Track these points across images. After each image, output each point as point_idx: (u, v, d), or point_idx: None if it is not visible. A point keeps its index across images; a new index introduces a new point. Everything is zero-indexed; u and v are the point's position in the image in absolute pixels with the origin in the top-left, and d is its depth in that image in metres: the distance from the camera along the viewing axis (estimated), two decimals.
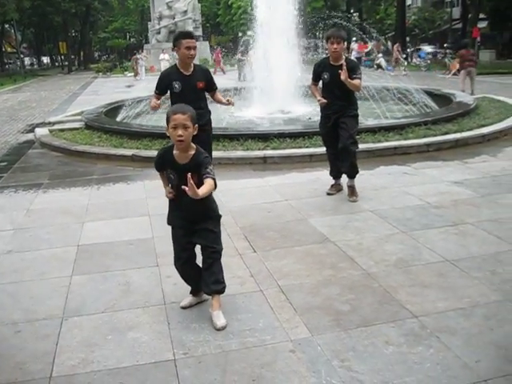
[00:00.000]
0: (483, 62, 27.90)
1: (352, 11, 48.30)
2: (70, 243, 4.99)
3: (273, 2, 12.50)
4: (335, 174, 6.20)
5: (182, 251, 3.52)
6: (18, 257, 4.73)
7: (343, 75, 5.44)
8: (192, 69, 5.42)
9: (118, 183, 7.18)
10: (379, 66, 28.93)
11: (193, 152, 3.31)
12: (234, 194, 6.33)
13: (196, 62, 5.55)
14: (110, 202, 6.31)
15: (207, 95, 5.70)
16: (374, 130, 8.54)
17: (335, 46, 5.62)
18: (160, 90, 5.54)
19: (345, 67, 5.47)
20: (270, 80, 11.87)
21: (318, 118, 6.28)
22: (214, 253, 3.42)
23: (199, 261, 3.57)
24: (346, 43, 5.89)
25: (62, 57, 60.45)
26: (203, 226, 3.41)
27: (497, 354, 2.97)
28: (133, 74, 33.29)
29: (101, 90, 24.68)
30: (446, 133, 8.61)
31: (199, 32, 40.29)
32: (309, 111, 11.10)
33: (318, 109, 6.13)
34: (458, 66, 15.89)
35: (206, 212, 3.42)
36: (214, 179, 3.20)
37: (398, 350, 3.04)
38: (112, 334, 3.37)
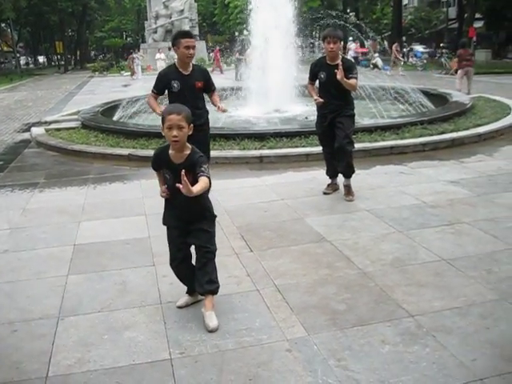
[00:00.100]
0: (479, 62, 27.92)
1: (348, 11, 48.31)
2: (67, 242, 4.98)
3: (269, 2, 12.51)
4: (331, 174, 6.21)
5: (177, 251, 3.52)
6: (14, 256, 4.72)
7: (339, 75, 5.44)
8: (191, 68, 5.41)
9: (114, 182, 7.18)
10: (375, 66, 28.96)
11: (188, 152, 3.31)
12: (230, 193, 6.33)
13: (193, 61, 5.53)
14: (106, 202, 6.30)
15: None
16: (370, 130, 8.55)
17: (332, 45, 5.63)
18: (158, 89, 5.49)
19: (341, 67, 5.48)
20: (267, 79, 11.87)
21: (314, 117, 6.29)
22: (207, 253, 3.41)
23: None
24: (342, 43, 5.90)
25: (59, 56, 60.35)
26: (198, 226, 3.41)
27: (493, 352, 2.98)
28: (129, 73, 33.23)
29: (97, 90, 24.62)
30: (443, 132, 8.62)
31: (196, 31, 40.21)
32: (305, 111, 11.10)
33: (315, 108, 6.14)
34: (455, 65, 15.95)
35: (201, 212, 3.42)
36: (208, 177, 3.20)
37: (394, 349, 3.05)
38: (108, 333, 3.36)
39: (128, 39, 77.12)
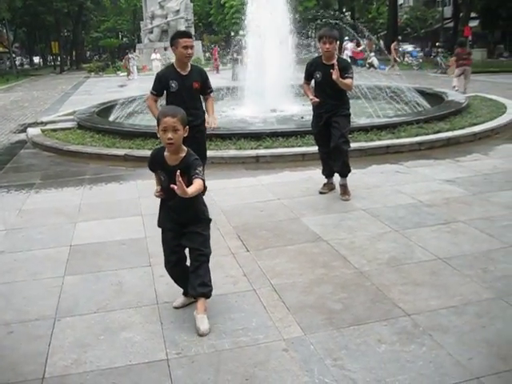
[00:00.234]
0: (475, 61, 27.97)
1: (344, 10, 48.33)
2: (63, 243, 4.97)
3: (265, 2, 12.52)
4: (327, 173, 6.21)
5: (171, 254, 3.51)
6: (10, 257, 4.71)
7: (335, 74, 5.45)
8: (189, 69, 5.40)
9: (110, 183, 7.17)
10: (371, 65, 29.00)
11: (183, 154, 3.30)
12: (226, 193, 6.33)
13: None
14: (102, 202, 6.29)
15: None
16: (366, 129, 8.56)
17: (327, 45, 5.63)
18: (157, 90, 5.46)
19: (336, 66, 5.48)
20: (263, 79, 11.87)
21: (310, 117, 6.29)
22: (200, 256, 3.39)
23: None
24: (338, 43, 5.90)
25: (54, 56, 60.18)
26: (192, 228, 3.40)
27: (489, 351, 2.98)
28: (125, 73, 33.20)
29: (93, 90, 24.60)
30: (438, 131, 8.64)
31: (192, 31, 40.12)
32: (301, 110, 11.11)
33: (311, 108, 6.14)
34: (454, 63, 15.98)
35: (195, 214, 3.41)
36: (203, 180, 3.20)
37: (390, 349, 3.05)
38: (105, 334, 3.36)
39: (124, 39, 77.01)
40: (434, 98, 12.04)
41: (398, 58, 28.08)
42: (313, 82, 6.01)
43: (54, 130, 10.83)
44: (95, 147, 8.98)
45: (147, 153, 7.79)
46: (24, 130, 12.07)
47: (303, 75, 6.12)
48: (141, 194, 6.43)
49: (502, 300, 3.53)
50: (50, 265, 4.50)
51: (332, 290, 3.78)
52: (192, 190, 3.09)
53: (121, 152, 8.48)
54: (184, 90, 5.33)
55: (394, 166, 7.28)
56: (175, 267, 3.55)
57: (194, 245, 3.39)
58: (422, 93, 12.16)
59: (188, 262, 3.51)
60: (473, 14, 38.32)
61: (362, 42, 30.95)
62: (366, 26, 35.40)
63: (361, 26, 26.19)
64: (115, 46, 72.28)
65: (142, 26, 44.80)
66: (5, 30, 47.62)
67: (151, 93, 5.51)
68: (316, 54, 6.99)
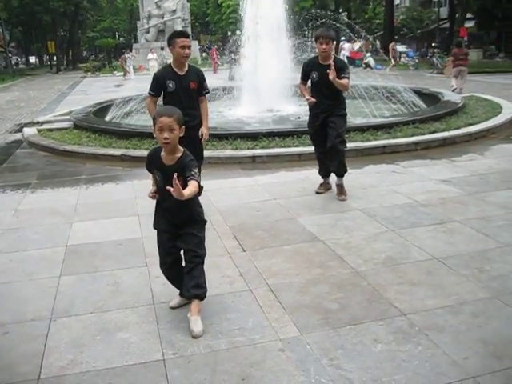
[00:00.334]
0: (470, 62, 28.06)
1: (341, 11, 48.37)
2: (59, 243, 4.97)
3: (261, 2, 12.52)
4: (324, 173, 6.22)
5: (167, 256, 3.50)
6: (6, 257, 4.70)
7: (331, 75, 5.45)
8: (186, 69, 5.38)
9: (106, 183, 7.16)
10: (368, 65, 29.07)
11: (179, 155, 3.30)
12: (222, 193, 6.33)
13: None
14: (98, 202, 6.28)
15: None
16: (362, 129, 8.58)
17: (324, 46, 5.64)
18: (155, 90, 5.42)
19: (333, 67, 5.48)
20: (260, 79, 11.88)
21: (307, 117, 6.30)
22: (195, 257, 3.38)
23: None
24: (335, 43, 5.91)
25: (50, 56, 60.03)
26: (187, 230, 3.39)
27: (485, 350, 2.99)
28: (122, 73, 33.17)
29: (89, 90, 24.54)
30: (434, 131, 8.67)
31: (188, 31, 40.16)
32: (298, 110, 11.12)
33: (307, 108, 6.15)
34: (451, 64, 16.09)
35: (191, 216, 3.41)
36: (198, 182, 3.20)
37: (386, 348, 3.06)
38: (101, 334, 3.36)
39: (120, 39, 76.91)
40: (430, 98, 12.07)
41: (393, 59, 28.12)
42: (309, 82, 6.02)
43: (51, 130, 10.81)
44: (91, 147, 8.97)
45: (144, 153, 7.78)
46: (20, 130, 12.04)
47: (300, 75, 6.12)
48: (137, 194, 6.43)
49: (497, 299, 3.55)
50: (45, 265, 4.49)
51: (328, 290, 3.79)
52: (188, 192, 3.09)
53: (117, 152, 8.47)
54: (181, 90, 5.32)
55: (391, 165, 7.30)
56: (171, 268, 3.54)
57: (188, 246, 3.39)
58: (418, 93, 12.20)
59: (183, 263, 3.51)
60: (468, 15, 38.40)
61: (358, 41, 31.00)
62: (362, 27, 35.50)
63: (357, 27, 26.20)
64: (112, 45, 72.18)
65: (138, 25, 44.75)
66: (1, 30, 47.47)
67: (149, 94, 5.48)
68: (313, 54, 6.99)
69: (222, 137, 8.46)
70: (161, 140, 3.23)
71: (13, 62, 53.65)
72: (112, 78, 32.75)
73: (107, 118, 11.68)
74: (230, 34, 40.99)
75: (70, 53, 61.39)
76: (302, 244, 4.67)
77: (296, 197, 6.06)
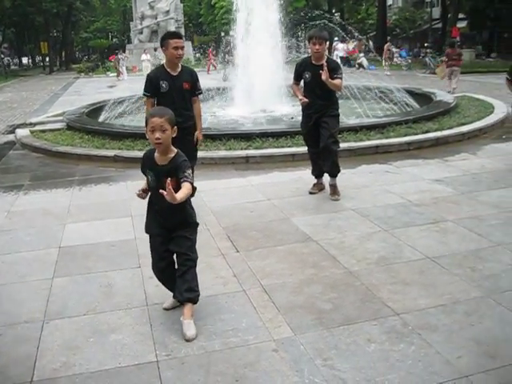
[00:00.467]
0: (463, 62, 28.19)
1: (334, 11, 48.44)
2: (52, 245, 4.95)
3: (255, 2, 12.53)
4: (317, 173, 6.22)
5: (160, 260, 3.48)
6: None
7: (324, 75, 5.46)
8: (179, 69, 5.38)
9: (99, 184, 7.13)
10: (361, 66, 29.14)
11: (172, 155, 3.30)
12: (216, 193, 6.32)
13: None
14: (91, 203, 6.26)
15: None
16: (355, 129, 8.60)
17: (317, 46, 5.65)
18: (150, 91, 5.39)
19: (326, 67, 5.49)
20: (253, 80, 11.88)
21: (300, 117, 6.30)
22: (188, 260, 3.37)
23: None
24: (328, 43, 5.92)
25: (43, 57, 59.77)
26: (180, 233, 3.38)
27: (477, 349, 3.00)
28: (115, 74, 33.09)
29: (83, 91, 24.46)
30: (427, 131, 8.69)
31: (182, 32, 40.12)
32: (291, 111, 11.13)
33: (300, 108, 6.15)
34: (444, 64, 16.20)
35: (184, 218, 3.40)
36: (191, 183, 3.20)
37: (380, 348, 3.06)
38: (94, 336, 3.35)
39: (114, 40, 76.67)
40: (423, 98, 12.11)
41: (388, 60, 28.19)
42: (302, 82, 6.02)
43: (43, 131, 10.77)
44: (85, 148, 8.94)
45: (137, 154, 7.80)
46: (13, 131, 11.98)
47: (292, 75, 6.12)
48: (130, 194, 6.37)
49: (490, 298, 3.56)
50: (38, 267, 4.47)
51: (322, 290, 3.79)
52: (181, 195, 3.09)
53: (110, 153, 8.45)
54: (174, 91, 5.31)
55: (383, 165, 7.31)
56: (164, 272, 3.52)
57: (181, 249, 3.38)
58: (411, 93, 12.23)
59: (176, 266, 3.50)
60: (461, 15, 38.56)
61: (351, 41, 31.06)
62: (355, 27, 35.57)
63: (350, 27, 26.26)
64: (105, 46, 71.92)
65: (131, 26, 44.64)
66: None
67: (145, 95, 5.47)
68: (306, 55, 7.00)
69: (216, 137, 8.45)
70: (153, 140, 3.23)
71: (5, 63, 53.35)
72: (105, 79, 32.64)
73: (100, 119, 11.66)
74: (223, 34, 40.98)
75: (63, 53, 61.17)
76: (295, 244, 4.67)
77: (289, 197, 6.07)
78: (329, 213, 5.48)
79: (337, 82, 5.63)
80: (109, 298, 3.85)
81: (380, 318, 3.38)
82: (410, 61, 31.76)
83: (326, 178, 6.11)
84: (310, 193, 6.15)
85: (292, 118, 10.36)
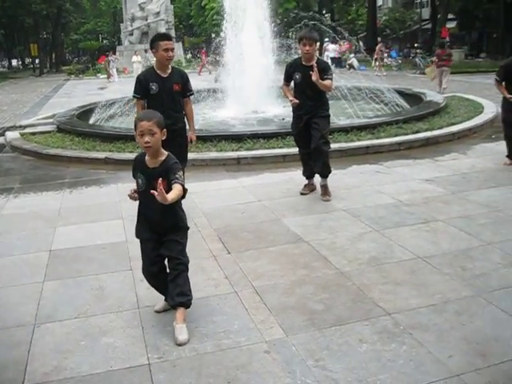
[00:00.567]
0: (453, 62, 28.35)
1: (324, 12, 48.53)
2: (42, 248, 4.92)
3: (244, 3, 12.53)
4: (308, 174, 6.23)
5: (152, 265, 3.46)
6: None
7: (314, 76, 5.47)
8: (169, 71, 5.36)
9: (90, 186, 7.11)
10: (351, 66, 29.22)
11: (163, 158, 3.29)
12: (207, 195, 6.32)
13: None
14: (82, 206, 6.24)
15: None
16: (346, 130, 8.62)
17: (307, 47, 5.66)
18: (140, 93, 5.37)
19: (316, 68, 5.50)
20: (244, 81, 11.88)
21: (291, 118, 6.31)
22: (179, 264, 3.35)
23: None
24: (318, 44, 5.93)
25: (33, 59, 59.47)
26: (171, 237, 3.36)
27: (468, 348, 3.02)
28: (106, 75, 32.99)
29: (73, 93, 24.37)
30: (417, 131, 8.73)
31: (172, 33, 40.01)
32: (282, 112, 11.13)
33: (291, 109, 6.16)
34: (434, 65, 16.35)
35: (175, 221, 3.38)
36: (182, 185, 3.19)
37: (371, 348, 3.07)
38: (85, 339, 3.33)
39: (104, 41, 76.43)
40: (413, 98, 12.16)
41: (380, 60, 28.29)
42: (292, 83, 6.03)
43: (33, 134, 10.72)
44: (75, 150, 8.90)
45: (128, 156, 7.78)
46: (2, 134, 11.88)
47: (283, 77, 6.13)
48: (121, 197, 6.37)
49: (480, 297, 3.58)
50: (29, 270, 4.44)
51: (313, 291, 3.80)
52: (172, 196, 3.08)
53: (101, 155, 8.42)
54: (164, 93, 5.30)
55: (374, 166, 7.34)
56: (157, 277, 3.50)
57: (172, 253, 3.36)
58: (401, 93, 12.28)
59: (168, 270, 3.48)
60: (450, 16, 38.78)
61: (342, 42, 31.14)
62: (345, 28, 35.65)
63: (340, 28, 26.32)
64: (95, 48, 71.68)
65: (122, 28, 44.51)
66: None
67: (134, 96, 5.45)
68: (296, 56, 7.01)
69: (207, 139, 8.44)
70: (142, 144, 3.22)
71: None
72: (96, 81, 32.55)
73: (91, 121, 11.60)
74: (213, 35, 40.94)
75: (53, 55, 60.86)
76: (286, 245, 4.68)
77: (280, 198, 6.07)
78: (320, 213, 5.49)
79: (327, 82, 5.64)
80: (100, 300, 3.84)
81: (371, 318, 3.39)
82: (400, 61, 31.92)
83: (317, 178, 6.12)
84: (301, 193, 6.15)
85: (283, 118, 10.36)
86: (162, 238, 3.39)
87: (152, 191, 3.00)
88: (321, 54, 32.39)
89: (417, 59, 28.55)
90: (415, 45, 37.59)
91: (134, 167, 3.44)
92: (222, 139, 8.43)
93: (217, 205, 5.94)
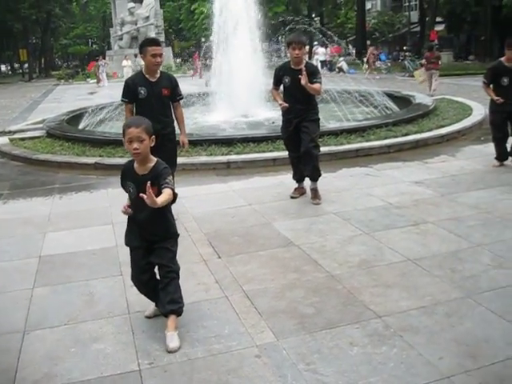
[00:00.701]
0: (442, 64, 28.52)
1: (313, 16, 48.72)
2: (32, 254, 4.89)
3: (234, 8, 12.55)
4: (298, 178, 6.24)
5: (142, 273, 3.43)
6: None
7: (303, 80, 5.49)
8: (158, 75, 5.36)
9: (80, 192, 7.08)
10: (341, 70, 29.32)
11: (152, 164, 3.27)
12: (197, 199, 6.31)
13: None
14: (72, 211, 6.21)
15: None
16: (336, 133, 8.64)
17: (297, 51, 5.68)
18: (128, 97, 5.37)
19: (305, 72, 5.52)
20: (234, 85, 11.89)
21: (281, 122, 6.32)
22: (170, 272, 3.33)
23: None
24: (307, 48, 5.95)
25: (22, 64, 59.19)
26: (161, 244, 3.34)
27: (458, 350, 3.03)
28: (95, 80, 32.91)
29: (63, 98, 24.29)
30: (407, 134, 8.78)
31: (162, 38, 40.01)
32: (272, 115, 11.15)
33: (281, 113, 6.17)
34: (423, 68, 16.52)
35: (166, 228, 3.37)
36: (172, 190, 3.18)
37: (362, 351, 3.08)
38: (76, 346, 3.31)
39: (94, 46, 76.22)
40: (402, 101, 12.22)
41: (372, 63, 28.43)
42: (282, 87, 6.05)
43: (23, 139, 10.66)
44: (65, 156, 8.87)
45: (118, 161, 7.76)
46: None
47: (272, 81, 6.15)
48: (111, 202, 6.36)
49: (470, 299, 3.60)
50: (18, 277, 4.42)
51: (304, 295, 3.80)
52: (161, 199, 3.06)
53: (91, 160, 8.39)
54: (153, 97, 5.29)
55: (364, 169, 7.36)
56: (147, 285, 3.48)
57: (162, 261, 3.34)
58: (391, 96, 12.34)
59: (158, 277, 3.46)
60: (438, 19, 39.04)
61: (331, 46, 31.24)
62: (334, 31, 35.78)
63: (330, 32, 26.45)
64: (85, 52, 71.51)
65: (111, 32, 44.43)
66: None
67: (122, 101, 5.45)
68: (286, 59, 7.03)
69: (197, 143, 8.42)
70: (131, 151, 3.20)
71: None
72: (85, 86, 32.45)
73: (81, 126, 11.57)
74: (203, 40, 40.97)
75: (43, 60, 60.63)
76: (277, 249, 4.68)
77: (271, 202, 6.08)
78: (310, 217, 5.50)
79: (316, 86, 5.66)
80: (90, 306, 3.82)
81: (362, 321, 3.39)
82: (389, 64, 32.08)
83: (307, 182, 6.14)
84: (292, 197, 6.16)
85: (273, 122, 10.37)
86: (153, 245, 3.36)
87: (141, 194, 2.98)
88: (310, 57, 32.51)
89: (406, 62, 28.72)
90: (404, 48, 37.84)
91: (122, 176, 3.39)
92: (212, 143, 8.43)
93: (207, 209, 5.93)
